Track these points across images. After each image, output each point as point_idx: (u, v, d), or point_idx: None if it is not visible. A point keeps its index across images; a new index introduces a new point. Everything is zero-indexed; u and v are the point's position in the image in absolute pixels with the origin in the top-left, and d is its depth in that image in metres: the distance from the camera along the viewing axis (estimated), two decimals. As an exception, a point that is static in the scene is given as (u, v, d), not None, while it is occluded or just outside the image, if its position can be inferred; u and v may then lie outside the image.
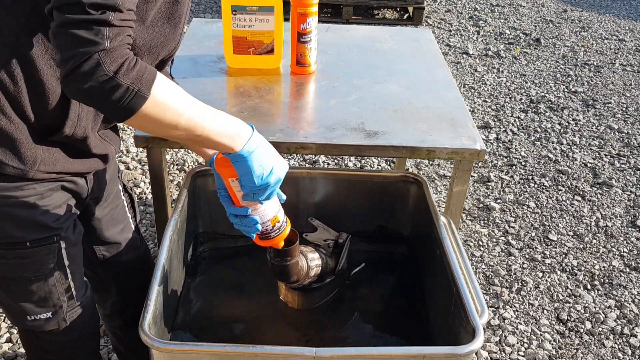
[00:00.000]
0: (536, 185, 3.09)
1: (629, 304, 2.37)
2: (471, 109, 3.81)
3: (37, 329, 1.30)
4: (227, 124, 1.04)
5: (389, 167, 3.19)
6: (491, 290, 2.41)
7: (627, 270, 2.56)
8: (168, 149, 2.32)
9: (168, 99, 0.96)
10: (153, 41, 1.10)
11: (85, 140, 1.18)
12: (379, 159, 3.22)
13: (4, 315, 2.18)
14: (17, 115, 1.08)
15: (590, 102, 3.98)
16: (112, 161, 1.38)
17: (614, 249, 2.67)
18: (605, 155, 3.40)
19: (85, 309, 1.35)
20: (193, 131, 1.00)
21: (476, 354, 2.07)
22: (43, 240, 1.19)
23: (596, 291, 2.44)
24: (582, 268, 2.55)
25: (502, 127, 3.64)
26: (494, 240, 2.69)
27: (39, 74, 1.06)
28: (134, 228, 1.55)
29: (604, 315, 2.32)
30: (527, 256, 2.61)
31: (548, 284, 2.46)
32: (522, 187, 3.08)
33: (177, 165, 3.09)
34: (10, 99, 1.06)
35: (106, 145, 1.26)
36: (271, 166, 1.10)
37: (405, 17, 5.41)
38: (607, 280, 2.49)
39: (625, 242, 2.73)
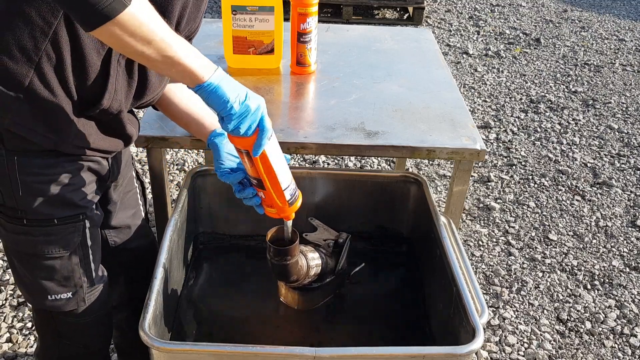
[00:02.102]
0: (536, 185, 3.09)
1: (629, 304, 2.37)
2: (471, 109, 3.81)
3: (56, 310, 1.31)
4: (197, 53, 1.04)
5: (389, 167, 3.20)
6: (491, 290, 2.41)
7: (627, 270, 2.56)
8: (168, 149, 2.32)
9: (146, 13, 0.95)
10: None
11: (119, 114, 1.21)
12: (379, 159, 3.22)
13: (5, 314, 2.18)
14: (61, 88, 1.10)
15: (590, 102, 3.99)
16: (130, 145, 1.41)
17: (614, 249, 2.67)
18: (605, 155, 3.40)
19: (102, 292, 1.36)
20: (165, 51, 0.98)
21: (476, 354, 2.07)
22: (70, 218, 1.21)
23: (596, 291, 2.44)
24: (582, 268, 2.55)
25: (502, 127, 3.64)
26: (494, 240, 2.69)
27: (81, 46, 1.08)
28: (143, 216, 1.58)
29: (604, 315, 2.32)
30: (527, 256, 2.61)
31: (548, 283, 2.46)
32: (522, 187, 3.08)
33: (177, 165, 3.09)
34: (56, 71, 1.08)
35: (130, 126, 1.29)
36: (245, 91, 1.09)
37: (405, 17, 5.41)
38: (607, 280, 2.49)
39: (625, 242, 2.73)
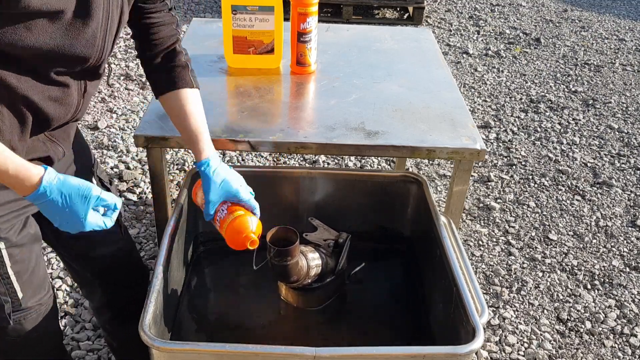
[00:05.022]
0: (536, 185, 3.09)
1: (629, 304, 2.37)
2: (471, 109, 3.81)
3: None
4: (11, 169, 1.04)
5: (389, 167, 3.20)
6: (491, 290, 2.41)
7: (627, 270, 2.56)
8: (168, 149, 2.32)
9: None
10: (34, 44, 1.03)
11: (14, 150, 1.15)
12: (379, 158, 3.22)
13: None
14: None
15: (590, 102, 3.98)
16: (75, 157, 1.37)
17: (614, 249, 2.68)
18: (605, 155, 3.40)
19: (40, 312, 1.33)
20: None
21: (476, 353, 2.07)
22: None
23: (596, 291, 2.44)
24: (582, 268, 2.55)
25: (502, 126, 3.64)
26: (494, 240, 2.69)
27: None
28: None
29: (604, 315, 2.32)
30: (527, 256, 2.61)
31: (548, 283, 2.46)
32: (522, 186, 3.08)
33: (177, 165, 3.09)
34: None
35: (53, 146, 1.24)
36: (59, 221, 1.10)
37: (405, 16, 5.41)
38: (607, 280, 2.49)
39: (625, 241, 2.73)
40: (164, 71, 1.38)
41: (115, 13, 1.16)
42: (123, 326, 1.62)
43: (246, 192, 1.37)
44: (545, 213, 2.89)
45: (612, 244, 2.70)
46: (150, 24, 1.36)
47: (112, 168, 2.99)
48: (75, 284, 2.26)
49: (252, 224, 1.32)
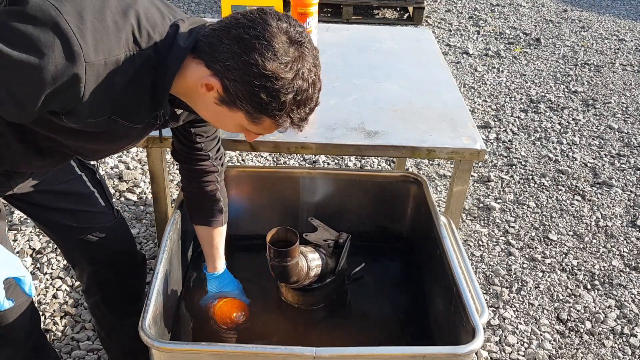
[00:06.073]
0: (536, 185, 3.09)
1: (629, 304, 2.37)
2: (471, 109, 3.81)
3: None
4: None
5: (389, 167, 3.19)
6: (491, 290, 2.41)
7: (627, 270, 2.56)
8: (168, 149, 2.32)
9: None
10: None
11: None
12: (379, 158, 3.22)
13: None
14: None
15: (590, 102, 3.98)
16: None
17: (614, 249, 2.67)
18: (605, 155, 3.40)
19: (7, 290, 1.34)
20: None
21: (476, 353, 2.07)
22: None
23: (596, 291, 2.44)
24: (582, 268, 2.55)
25: (502, 127, 3.64)
26: (494, 240, 2.69)
27: None
28: (103, 203, 1.53)
29: (604, 315, 2.32)
30: (527, 256, 2.61)
31: (548, 283, 2.46)
32: (522, 187, 3.08)
33: (177, 165, 3.09)
34: None
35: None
36: None
37: (405, 16, 5.41)
38: (607, 280, 2.49)
39: (625, 241, 2.73)
40: (203, 210, 1.53)
41: (137, 143, 1.29)
42: (110, 310, 1.64)
43: (241, 294, 1.61)
44: (545, 213, 2.89)
45: (612, 244, 2.70)
46: (195, 169, 1.52)
47: (112, 168, 2.99)
48: (76, 284, 2.26)
49: (236, 303, 1.56)
